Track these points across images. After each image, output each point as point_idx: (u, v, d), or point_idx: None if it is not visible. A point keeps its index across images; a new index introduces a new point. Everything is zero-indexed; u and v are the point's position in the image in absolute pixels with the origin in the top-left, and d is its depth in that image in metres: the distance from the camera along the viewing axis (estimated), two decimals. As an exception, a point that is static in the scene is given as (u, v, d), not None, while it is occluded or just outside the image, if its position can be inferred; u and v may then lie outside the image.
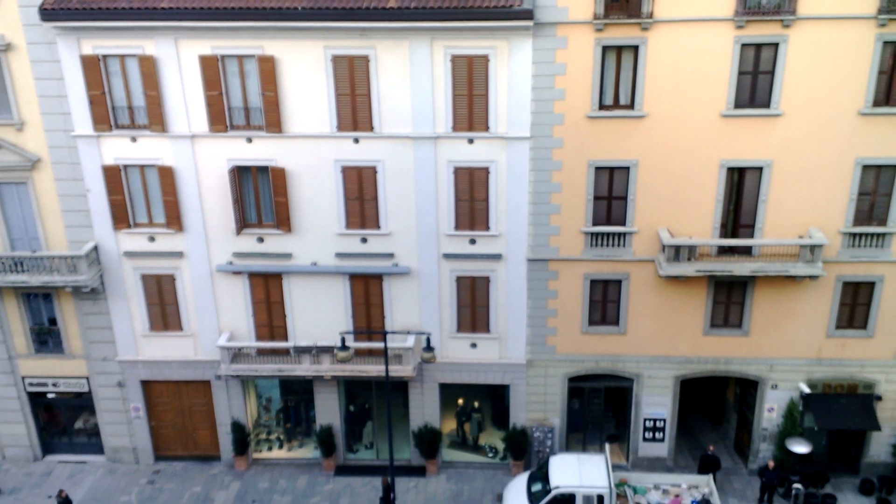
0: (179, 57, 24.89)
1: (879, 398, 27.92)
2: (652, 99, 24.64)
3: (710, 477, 27.06)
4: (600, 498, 25.46)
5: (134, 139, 25.99)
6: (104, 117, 25.60)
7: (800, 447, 27.61)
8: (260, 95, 25.26)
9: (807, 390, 27.72)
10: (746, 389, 29.51)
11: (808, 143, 24.88)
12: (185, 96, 25.36)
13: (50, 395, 30.10)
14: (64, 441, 31.13)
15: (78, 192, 26.67)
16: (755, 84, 24.45)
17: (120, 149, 26.11)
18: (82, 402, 30.23)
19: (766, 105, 24.58)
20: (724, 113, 24.61)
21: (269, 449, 31.11)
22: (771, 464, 27.66)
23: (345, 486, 29.36)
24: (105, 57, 25.04)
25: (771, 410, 28.52)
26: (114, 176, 26.38)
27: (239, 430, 29.64)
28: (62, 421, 30.82)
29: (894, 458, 28.62)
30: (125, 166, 26.41)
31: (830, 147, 24.90)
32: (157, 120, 25.55)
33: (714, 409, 32.60)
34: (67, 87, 25.33)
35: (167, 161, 26.19)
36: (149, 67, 24.94)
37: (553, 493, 25.67)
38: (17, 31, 24.77)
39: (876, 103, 24.38)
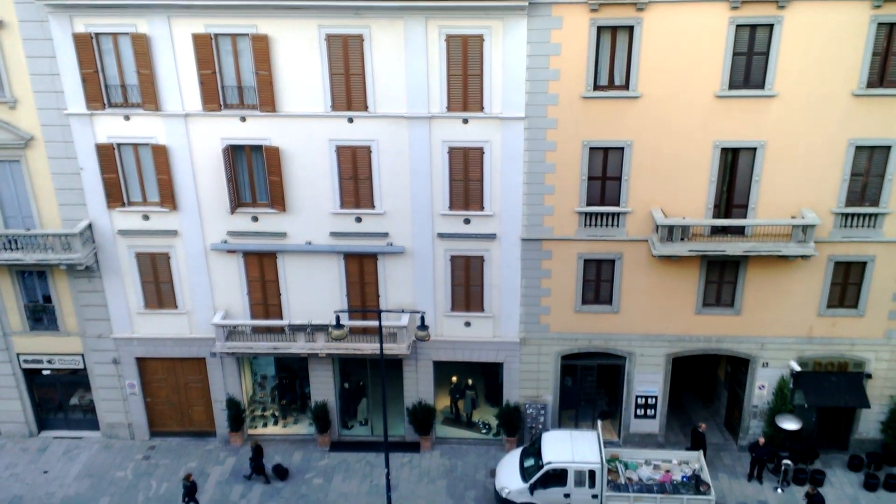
0: (172, 35, 24.69)
1: (869, 376, 28.24)
2: (646, 79, 24.60)
3: (701, 453, 27.43)
4: (592, 473, 25.82)
5: (127, 118, 25.87)
6: (97, 96, 25.45)
7: (790, 424, 27.95)
8: (254, 74, 25.12)
9: (797, 368, 28.02)
10: (737, 367, 29.81)
11: (801, 124, 24.91)
12: (178, 75, 25.21)
13: (45, 372, 30.23)
14: (59, 417, 31.31)
15: (71, 171, 26.59)
16: (749, 65, 24.42)
17: (113, 127, 25.99)
18: (77, 379, 30.38)
19: (761, 86, 24.57)
20: (719, 94, 24.60)
21: (265, 425, 31.37)
22: (761, 440, 28.06)
23: (340, 461, 29.67)
24: (97, 35, 24.83)
25: (762, 388, 28.85)
26: (107, 154, 26.29)
27: (234, 407, 29.85)
28: (57, 397, 30.97)
29: (883, 435, 29.01)
30: (118, 145, 26.31)
31: (824, 128, 24.94)
32: (150, 98, 25.43)
33: (705, 387, 32.94)
34: (60, 65, 25.15)
35: (161, 140, 26.10)
36: (141, 46, 24.75)
37: (545, 468, 26.03)
38: (9, 8, 24.51)
39: (870, 84, 24.38)
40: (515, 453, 28.08)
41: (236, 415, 29.97)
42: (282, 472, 28.62)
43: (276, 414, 31.53)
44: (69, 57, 25.00)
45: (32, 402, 30.79)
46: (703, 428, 28.63)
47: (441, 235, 27.15)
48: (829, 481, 28.22)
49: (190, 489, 26.75)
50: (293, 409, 31.58)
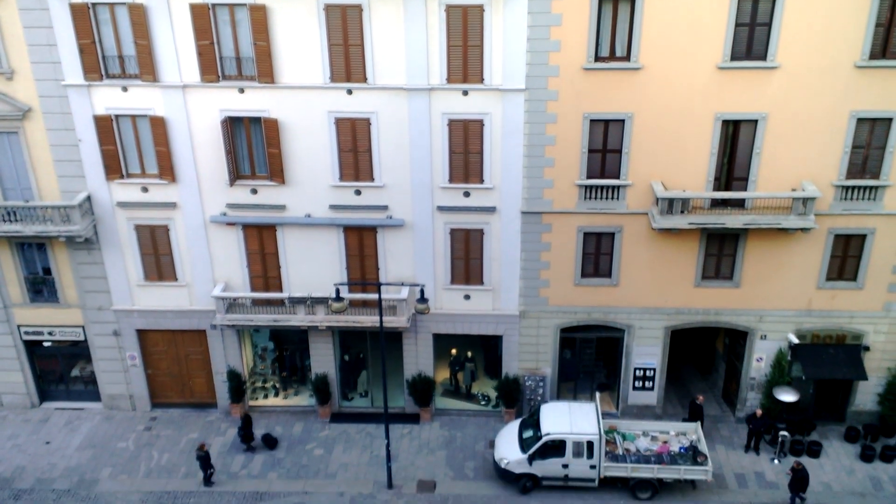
0: (170, 5, 24.43)
1: (867, 348, 28.36)
2: (648, 51, 24.40)
3: (698, 424, 27.60)
4: (590, 444, 26.00)
5: (125, 89, 25.69)
6: (94, 66, 25.26)
7: (787, 396, 28.09)
8: (252, 45, 24.90)
9: (795, 341, 28.12)
10: (736, 340, 29.92)
11: (803, 96, 24.77)
12: (175, 46, 24.99)
13: (46, 344, 30.33)
14: (61, 389, 31.47)
15: (70, 142, 26.46)
16: (752, 36, 24.22)
17: (111, 98, 25.83)
18: (78, 351, 30.49)
19: (763, 57, 24.38)
20: (721, 65, 24.42)
21: (265, 397, 31.55)
22: (759, 412, 28.20)
23: (340, 432, 29.89)
24: (94, 5, 24.57)
25: (759, 360, 28.98)
26: (105, 126, 26.16)
27: (235, 379, 29.99)
28: (59, 369, 31.11)
29: (880, 407, 29.20)
30: (116, 116, 26.17)
31: (826, 100, 24.80)
32: (147, 69, 25.24)
33: (703, 359, 33.09)
34: (57, 36, 24.91)
35: (159, 111, 25.95)
36: (139, 16, 24.50)
37: (544, 439, 26.21)
38: (4, -23, 24.33)
39: (872, 56, 24.20)
40: (514, 425, 28.26)
41: (237, 386, 30.12)
42: (271, 442, 28.88)
43: (277, 386, 31.71)
44: (66, 27, 24.76)
45: (34, 373, 30.93)
46: (701, 400, 28.79)
47: (441, 208, 27.10)
48: (825, 452, 28.46)
49: (205, 459, 26.91)
50: (294, 381, 31.75)
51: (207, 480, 27.23)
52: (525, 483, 26.69)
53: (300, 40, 24.75)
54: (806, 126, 25.14)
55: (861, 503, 26.38)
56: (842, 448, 28.77)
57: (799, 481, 25.68)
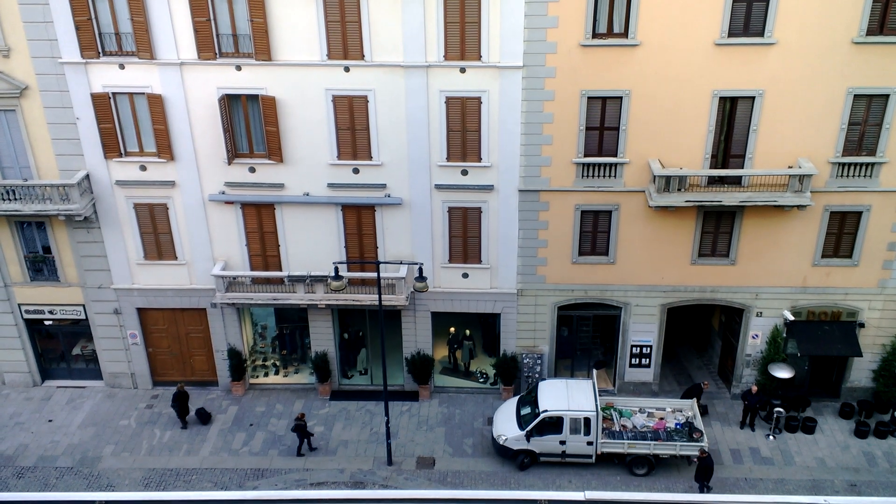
0: (166, -18, 24.45)
1: (862, 325, 28.52)
2: (646, 27, 24.37)
3: (694, 401, 27.82)
4: (587, 421, 26.22)
5: (122, 66, 25.67)
6: (91, 44, 25.22)
7: (782, 372, 28.30)
8: (248, 22, 24.86)
9: (791, 317, 28.29)
10: (732, 317, 30.09)
11: (800, 73, 24.77)
12: (172, 22, 24.93)
13: (47, 323, 30.48)
14: (62, 367, 31.66)
15: (68, 120, 26.47)
16: (749, 12, 24.17)
17: (108, 76, 25.82)
18: (79, 329, 30.67)
19: (760, 34, 24.36)
20: (718, 42, 24.40)
21: (266, 374, 31.76)
22: (754, 388, 28.40)
23: (340, 409, 30.12)
24: (90, -18, 24.58)
25: (755, 337, 29.15)
26: (103, 104, 26.16)
27: (235, 357, 30.18)
28: (60, 347, 31.28)
29: (874, 383, 29.42)
30: (114, 94, 26.17)
31: (823, 76, 24.81)
32: (144, 47, 25.20)
33: (699, 336, 33.28)
34: (53, 13, 24.84)
35: (156, 89, 25.94)
36: (135, -8, 24.51)
37: (542, 416, 26.42)
38: (0, -46, 24.26)
39: (869, 32, 24.17)
40: (512, 402, 28.48)
41: (238, 364, 30.31)
42: (204, 416, 29.23)
43: (277, 364, 31.90)
44: (62, 4, 24.68)
45: (35, 352, 31.10)
46: (707, 386, 28.99)
47: (439, 187, 27.16)
48: (820, 428, 28.70)
49: (302, 428, 27.22)
50: (294, 359, 31.95)
51: (302, 450, 27.64)
52: (523, 459, 26.95)
53: (297, 17, 24.68)
54: (803, 103, 25.16)
55: (855, 478, 26.66)
56: (836, 424, 29.01)
57: (703, 470, 25.34)
